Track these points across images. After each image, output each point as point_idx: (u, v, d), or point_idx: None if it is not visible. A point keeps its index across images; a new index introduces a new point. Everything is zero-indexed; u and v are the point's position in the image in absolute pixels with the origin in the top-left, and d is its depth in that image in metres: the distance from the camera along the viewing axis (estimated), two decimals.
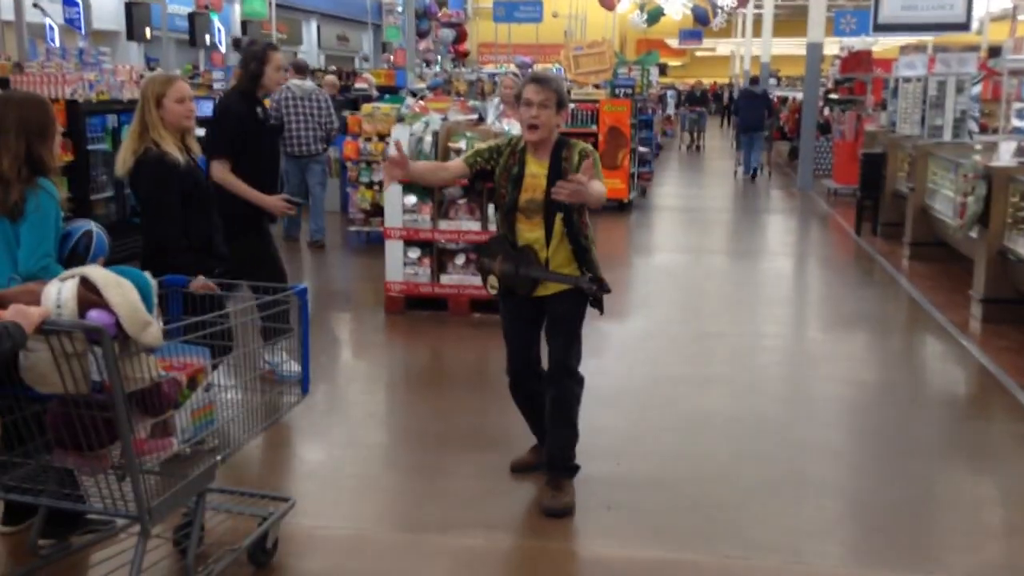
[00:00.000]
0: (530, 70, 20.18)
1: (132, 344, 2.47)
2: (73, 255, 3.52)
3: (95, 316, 2.43)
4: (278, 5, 23.87)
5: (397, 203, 7.00)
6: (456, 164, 4.16)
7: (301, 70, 10.28)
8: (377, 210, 9.55)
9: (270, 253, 5.52)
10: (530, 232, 3.95)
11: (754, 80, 21.89)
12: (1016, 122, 10.70)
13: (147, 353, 2.53)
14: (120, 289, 2.43)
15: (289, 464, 4.56)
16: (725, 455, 4.62)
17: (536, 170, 3.93)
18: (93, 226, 3.62)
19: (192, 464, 2.82)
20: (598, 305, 4.04)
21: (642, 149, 13.90)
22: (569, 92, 17.96)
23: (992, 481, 4.51)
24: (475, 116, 8.53)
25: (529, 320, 4.13)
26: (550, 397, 4.06)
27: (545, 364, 4.15)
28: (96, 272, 2.49)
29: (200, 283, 3.69)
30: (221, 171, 5.22)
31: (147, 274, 2.68)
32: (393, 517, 4.01)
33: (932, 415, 5.36)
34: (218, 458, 2.91)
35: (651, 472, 4.27)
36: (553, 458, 4.10)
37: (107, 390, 2.45)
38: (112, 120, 8.92)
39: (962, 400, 5.85)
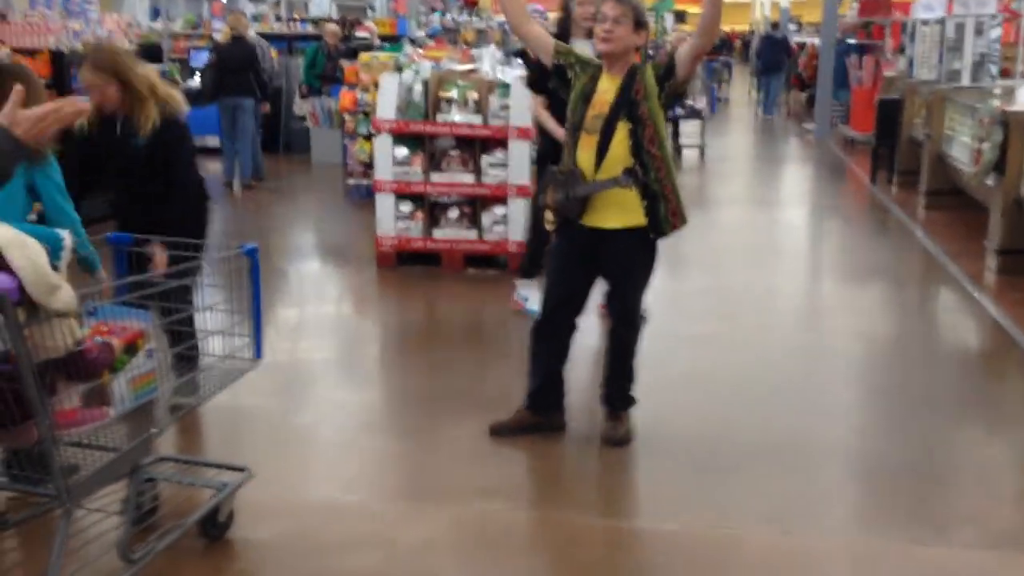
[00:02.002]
0: (545, 18, 19.63)
1: (42, 310, 2.25)
2: None
3: None
4: None
5: (387, 155, 6.73)
6: (547, 35, 4.11)
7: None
8: None
9: None
10: (584, 152, 3.82)
11: (775, 25, 21.69)
12: None
13: (65, 318, 2.31)
14: (24, 251, 2.19)
15: (265, 429, 4.34)
16: (725, 415, 4.39)
17: (607, 86, 3.85)
18: None
19: (128, 436, 2.62)
20: (656, 229, 3.82)
21: None
22: None
23: (1003, 443, 4.27)
24: (474, 65, 8.18)
25: (580, 258, 3.95)
26: (609, 340, 4.10)
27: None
28: None
29: None
30: (538, 107, 5.47)
31: (63, 232, 2.44)
32: (373, 483, 3.81)
33: (942, 372, 5.11)
34: (154, 430, 2.70)
35: (645, 433, 4.04)
36: (611, 396, 4.12)
37: (13, 360, 2.24)
38: None
39: (974, 356, 5.59)
